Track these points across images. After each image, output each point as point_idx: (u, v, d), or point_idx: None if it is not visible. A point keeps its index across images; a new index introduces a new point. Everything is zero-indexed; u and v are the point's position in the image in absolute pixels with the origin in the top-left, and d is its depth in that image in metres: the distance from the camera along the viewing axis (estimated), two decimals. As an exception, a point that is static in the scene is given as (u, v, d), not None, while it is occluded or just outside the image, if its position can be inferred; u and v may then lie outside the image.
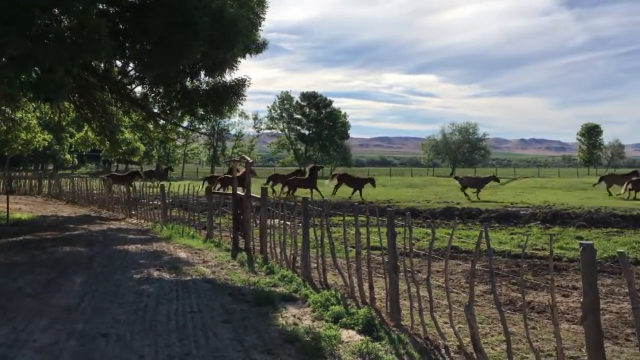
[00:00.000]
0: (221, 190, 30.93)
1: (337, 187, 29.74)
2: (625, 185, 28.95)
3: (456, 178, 31.89)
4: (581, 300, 4.45)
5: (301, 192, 27.70)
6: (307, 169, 31.98)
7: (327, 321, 7.19)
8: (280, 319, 7.42)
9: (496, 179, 30.73)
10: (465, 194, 28.18)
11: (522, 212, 20.09)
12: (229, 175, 34.25)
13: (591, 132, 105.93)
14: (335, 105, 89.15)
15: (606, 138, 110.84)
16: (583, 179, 59.77)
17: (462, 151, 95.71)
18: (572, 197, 28.01)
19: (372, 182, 30.34)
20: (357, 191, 28.88)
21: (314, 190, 28.64)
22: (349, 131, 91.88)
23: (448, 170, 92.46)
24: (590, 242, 4.49)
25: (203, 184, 33.86)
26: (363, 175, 33.90)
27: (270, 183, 33.20)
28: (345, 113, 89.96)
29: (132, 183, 33.65)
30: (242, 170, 33.09)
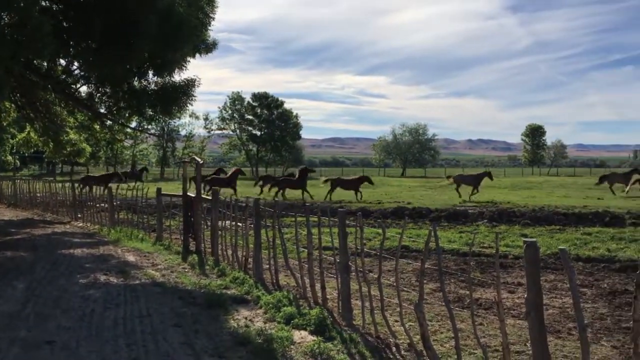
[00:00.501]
0: (207, 191, 30.69)
1: (330, 191, 29.40)
2: (630, 182, 30.25)
3: (449, 177, 31.32)
4: (526, 296, 4.59)
5: (292, 195, 28.07)
6: (297, 171, 32.46)
7: (279, 322, 7.17)
8: (232, 321, 7.36)
9: (490, 176, 30.31)
10: (459, 193, 27.96)
11: (470, 211, 20.56)
12: (216, 176, 33.78)
13: (535, 133, 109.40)
14: (287, 106, 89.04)
15: (549, 138, 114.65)
16: (527, 178, 61.73)
17: (413, 151, 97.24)
18: (518, 196, 28.87)
19: (368, 180, 30.73)
20: (355, 191, 28.91)
21: (304, 191, 29.15)
22: (301, 132, 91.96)
23: (399, 171, 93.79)
24: (534, 239, 4.63)
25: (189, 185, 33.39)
26: (355, 176, 33.73)
27: (260, 183, 32.95)
28: (297, 114, 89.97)
29: (109, 184, 32.92)
30: (233, 170, 32.98)
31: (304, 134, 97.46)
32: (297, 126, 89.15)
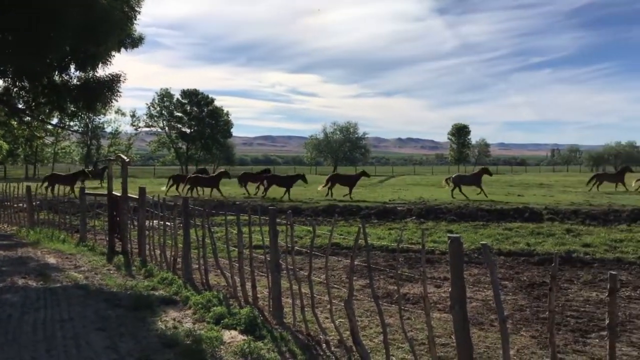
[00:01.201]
0: (188, 191, 29.54)
1: (330, 188, 28.82)
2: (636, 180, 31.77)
3: (447, 180, 29.64)
4: (450, 290, 4.73)
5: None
6: (216, 171, 32.56)
7: (208, 323, 7.07)
8: (160, 323, 7.18)
9: (488, 172, 29.86)
10: (463, 194, 27.06)
11: (399, 208, 20.99)
12: (200, 175, 32.60)
13: (460, 132, 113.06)
14: (217, 103, 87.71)
15: (474, 137, 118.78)
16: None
17: (344, 150, 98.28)
18: (444, 193, 29.69)
19: (365, 174, 30.95)
20: (350, 189, 28.51)
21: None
22: (232, 130, 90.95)
23: (330, 169, 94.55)
24: (458, 235, 4.77)
25: (168, 184, 32.01)
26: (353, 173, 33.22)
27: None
28: (227, 111, 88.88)
29: (76, 183, 31.50)
30: (220, 170, 32.01)
31: (235, 132, 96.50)
32: (228, 124, 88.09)
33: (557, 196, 28.19)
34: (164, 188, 31.62)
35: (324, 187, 29.12)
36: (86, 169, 38.94)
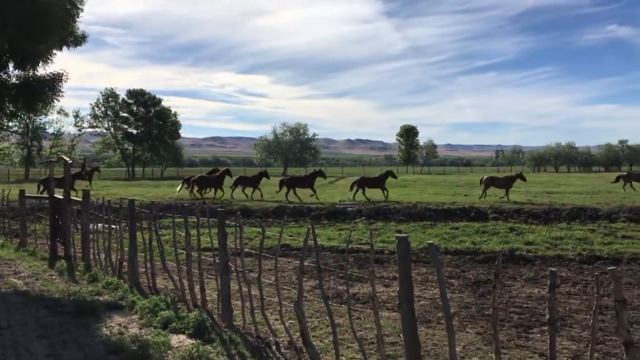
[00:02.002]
0: (196, 192, 28.34)
1: (356, 191, 28.32)
2: None
3: (481, 181, 29.25)
4: (398, 289, 4.79)
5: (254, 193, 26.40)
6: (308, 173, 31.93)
7: (155, 327, 6.92)
8: (104, 329, 6.99)
9: (522, 178, 29.39)
10: (484, 194, 26.97)
11: (349, 209, 21.15)
12: (206, 176, 31.18)
13: (409, 133, 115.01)
14: (165, 103, 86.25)
15: (421, 139, 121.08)
16: (402, 177, 64.60)
17: (294, 151, 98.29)
18: (393, 194, 30.12)
19: (392, 174, 30.34)
20: (382, 190, 28.14)
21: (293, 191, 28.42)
22: (180, 131, 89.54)
23: (280, 170, 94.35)
24: (406, 234, 4.84)
25: (182, 186, 30.54)
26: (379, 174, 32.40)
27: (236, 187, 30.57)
28: (175, 112, 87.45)
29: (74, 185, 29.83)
30: (221, 170, 30.68)
31: (183, 132, 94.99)
32: (176, 125, 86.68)
33: (501, 196, 29.02)
34: (177, 188, 30.51)
35: (351, 190, 29.07)
36: (82, 171, 37.14)
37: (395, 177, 31.80)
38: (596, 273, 4.40)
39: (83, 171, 36.33)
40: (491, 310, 4.48)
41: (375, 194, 28.08)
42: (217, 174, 30.67)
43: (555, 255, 12.32)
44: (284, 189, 28.69)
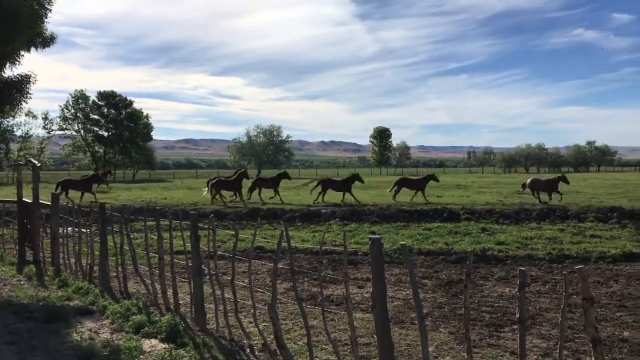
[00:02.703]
0: (213, 195, 26.92)
1: (397, 191, 27.87)
2: None
3: (523, 186, 28.25)
4: (371, 290, 4.81)
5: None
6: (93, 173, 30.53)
7: (127, 332, 6.83)
8: (75, 334, 6.87)
9: (565, 180, 27.37)
10: (538, 198, 25.67)
11: (323, 210, 21.17)
12: (224, 179, 29.96)
13: (382, 135, 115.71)
14: (137, 105, 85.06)
15: (395, 140, 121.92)
16: (376, 178, 64.96)
17: (267, 153, 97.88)
18: (367, 195, 30.26)
19: (433, 178, 29.34)
20: (420, 192, 27.66)
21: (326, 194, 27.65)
22: (152, 133, 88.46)
23: (254, 172, 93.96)
24: (379, 236, 4.87)
25: (208, 188, 28.71)
26: (421, 175, 31.43)
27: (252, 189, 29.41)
28: (147, 114, 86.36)
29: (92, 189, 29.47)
30: (239, 173, 29.41)
31: (155, 135, 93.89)
32: (147, 127, 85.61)
33: (473, 196, 29.39)
34: (204, 192, 29.19)
35: (391, 190, 28.66)
36: (97, 174, 36.03)
37: (437, 180, 30.79)
38: (565, 272, 4.49)
39: (98, 174, 35.12)
40: (463, 309, 4.53)
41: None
42: (233, 176, 29.63)
43: (526, 254, 12.53)
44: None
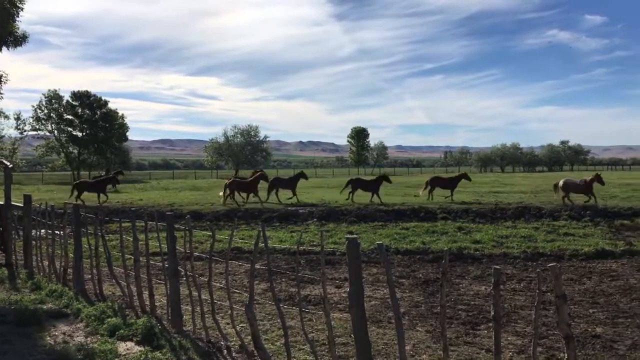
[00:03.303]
0: (228, 197, 25.99)
1: (430, 191, 27.61)
2: None
3: (556, 186, 25.62)
4: (349, 290, 4.82)
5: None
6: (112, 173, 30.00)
7: (102, 335, 6.74)
8: (48, 338, 6.75)
9: (601, 181, 25.26)
10: (570, 201, 23.38)
11: (301, 211, 21.17)
12: (239, 180, 29.07)
13: (359, 135, 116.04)
14: (112, 105, 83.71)
15: (372, 140, 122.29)
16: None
17: (245, 153, 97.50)
18: (345, 195, 30.28)
19: (466, 177, 29.27)
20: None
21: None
22: (128, 133, 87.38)
23: (232, 172, 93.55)
24: (355, 236, 4.88)
25: (225, 192, 27.73)
26: (453, 175, 30.75)
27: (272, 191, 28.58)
28: (123, 114, 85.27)
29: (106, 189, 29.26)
30: (257, 174, 28.53)
31: (131, 135, 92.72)
32: (123, 127, 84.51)
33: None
34: (221, 193, 28.23)
35: (423, 190, 28.56)
36: (109, 174, 35.19)
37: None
38: (538, 270, 4.55)
39: (111, 175, 34.41)
40: (439, 308, 4.57)
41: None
42: (251, 177, 28.85)
43: (502, 253, 12.69)
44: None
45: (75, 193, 27.97)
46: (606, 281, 9.96)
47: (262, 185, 28.08)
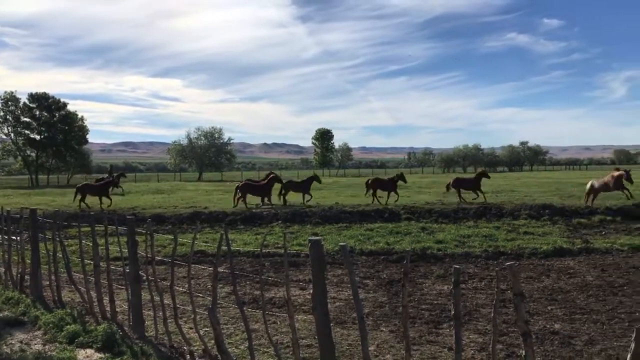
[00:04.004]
0: (239, 200, 24.95)
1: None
2: None
3: (591, 189, 24.13)
4: (312, 292, 4.82)
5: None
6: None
7: (61, 343, 6.59)
8: (4, 347, 6.57)
9: (629, 179, 24.13)
10: (591, 201, 22.85)
11: (265, 213, 21.08)
12: (252, 182, 27.80)
13: (324, 137, 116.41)
14: (71, 107, 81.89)
15: (337, 142, 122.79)
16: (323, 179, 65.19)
17: (209, 155, 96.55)
18: (300, 198, 30.28)
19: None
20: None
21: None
22: (88, 136, 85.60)
23: (195, 175, 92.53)
24: (319, 237, 4.89)
25: (235, 194, 26.51)
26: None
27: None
28: (82, 116, 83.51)
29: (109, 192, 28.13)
30: (270, 176, 27.42)
31: (91, 138, 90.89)
32: (83, 130, 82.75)
33: (413, 196, 29.95)
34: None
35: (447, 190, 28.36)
36: (110, 177, 33.75)
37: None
38: (497, 269, 4.64)
39: (111, 177, 33.28)
40: (401, 308, 4.61)
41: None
42: (264, 180, 28.09)
43: (464, 252, 12.89)
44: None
45: (79, 197, 27.08)
46: (564, 278, 10.22)
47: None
